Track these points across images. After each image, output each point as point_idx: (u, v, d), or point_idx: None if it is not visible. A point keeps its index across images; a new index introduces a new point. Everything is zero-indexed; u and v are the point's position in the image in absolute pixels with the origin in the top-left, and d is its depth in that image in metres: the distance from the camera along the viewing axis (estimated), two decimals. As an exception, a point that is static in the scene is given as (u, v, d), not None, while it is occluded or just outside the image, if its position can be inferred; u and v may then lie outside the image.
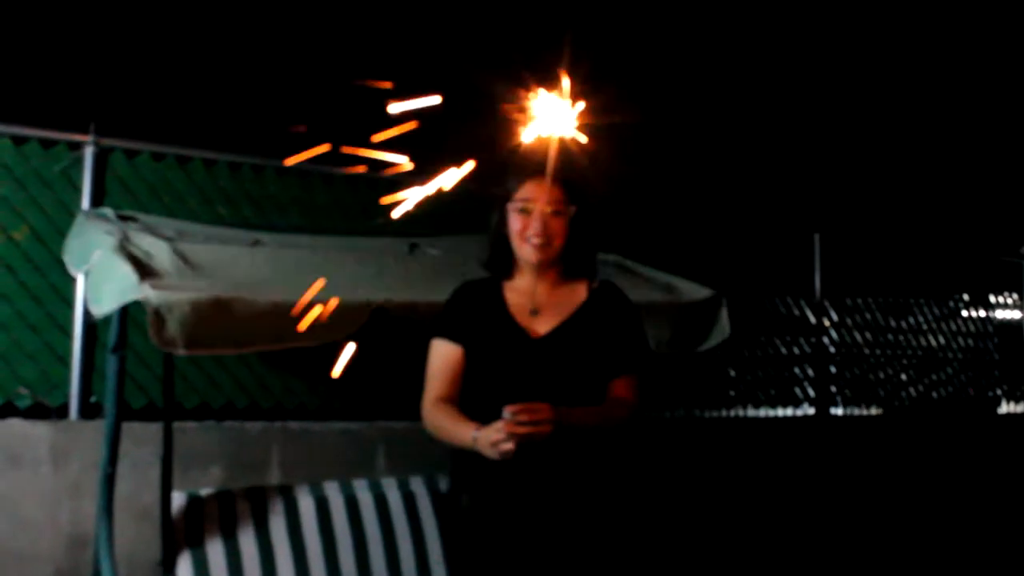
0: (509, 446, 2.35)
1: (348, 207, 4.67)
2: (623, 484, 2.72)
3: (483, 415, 2.49)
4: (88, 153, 4.08)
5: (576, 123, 2.45)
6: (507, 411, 2.36)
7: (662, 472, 4.78)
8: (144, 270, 2.78)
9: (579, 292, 2.77)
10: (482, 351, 2.68)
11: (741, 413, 5.90)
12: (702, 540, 5.06)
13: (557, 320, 2.70)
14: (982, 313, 7.35)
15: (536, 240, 2.66)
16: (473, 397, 2.66)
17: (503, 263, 2.76)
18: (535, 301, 2.72)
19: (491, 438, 2.39)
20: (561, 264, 2.74)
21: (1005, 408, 7.36)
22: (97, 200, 4.06)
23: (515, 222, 2.69)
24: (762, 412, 5.99)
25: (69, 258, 3.42)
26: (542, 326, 2.70)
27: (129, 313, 3.12)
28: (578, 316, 2.71)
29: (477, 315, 2.72)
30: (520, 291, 2.74)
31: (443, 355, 2.71)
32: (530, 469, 2.52)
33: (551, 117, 2.42)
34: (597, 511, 2.64)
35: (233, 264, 3.08)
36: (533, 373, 2.61)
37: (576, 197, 2.70)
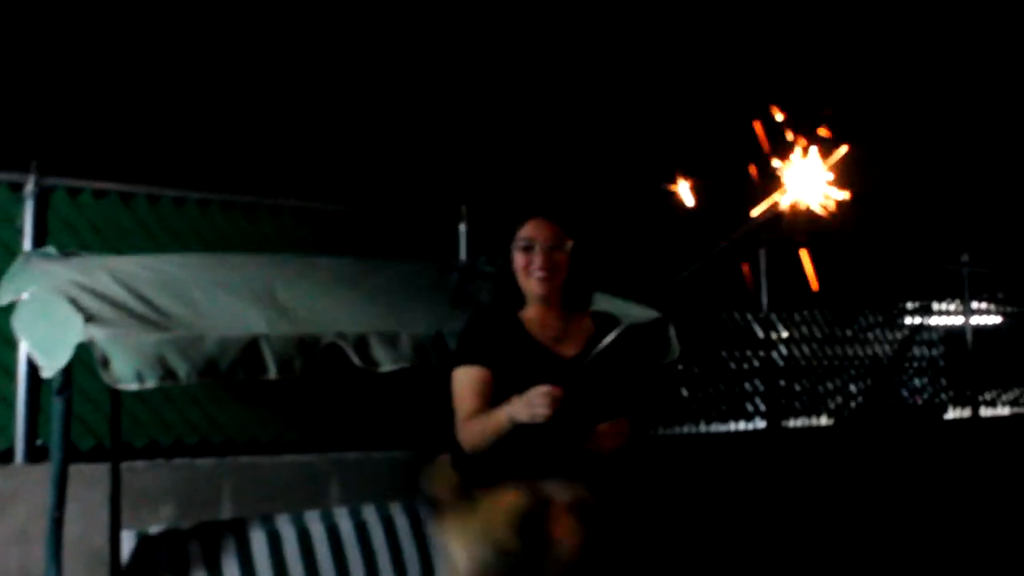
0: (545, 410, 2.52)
1: (297, 240, 4.67)
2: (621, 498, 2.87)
3: (519, 437, 2.62)
4: (29, 192, 4.04)
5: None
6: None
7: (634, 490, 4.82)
8: (87, 312, 2.76)
9: (586, 322, 2.97)
10: (514, 374, 2.77)
11: (694, 429, 5.95)
12: (661, 558, 5.08)
13: (579, 344, 2.87)
14: (927, 321, 7.49)
15: (540, 273, 2.86)
16: None
17: (512, 298, 2.94)
18: (555, 327, 2.90)
19: (531, 399, 2.55)
20: (564, 295, 2.93)
21: (951, 414, 7.49)
22: (39, 240, 4.01)
23: (519, 259, 2.90)
24: (714, 428, 6.05)
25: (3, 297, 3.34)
26: (568, 349, 2.87)
27: (75, 353, 3.08)
28: (594, 342, 2.83)
29: (501, 341, 2.85)
30: (536, 320, 2.91)
31: (471, 379, 2.81)
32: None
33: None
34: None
35: (178, 295, 3.04)
36: (569, 392, 2.69)
37: (573, 232, 2.90)
